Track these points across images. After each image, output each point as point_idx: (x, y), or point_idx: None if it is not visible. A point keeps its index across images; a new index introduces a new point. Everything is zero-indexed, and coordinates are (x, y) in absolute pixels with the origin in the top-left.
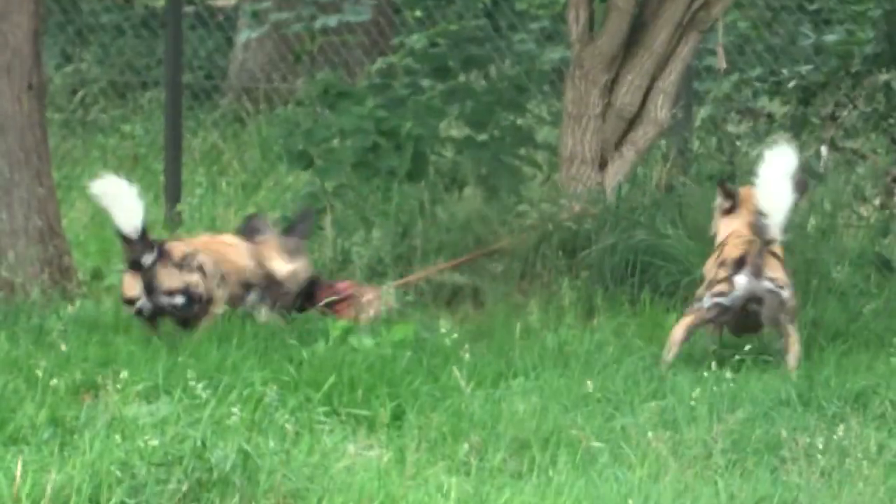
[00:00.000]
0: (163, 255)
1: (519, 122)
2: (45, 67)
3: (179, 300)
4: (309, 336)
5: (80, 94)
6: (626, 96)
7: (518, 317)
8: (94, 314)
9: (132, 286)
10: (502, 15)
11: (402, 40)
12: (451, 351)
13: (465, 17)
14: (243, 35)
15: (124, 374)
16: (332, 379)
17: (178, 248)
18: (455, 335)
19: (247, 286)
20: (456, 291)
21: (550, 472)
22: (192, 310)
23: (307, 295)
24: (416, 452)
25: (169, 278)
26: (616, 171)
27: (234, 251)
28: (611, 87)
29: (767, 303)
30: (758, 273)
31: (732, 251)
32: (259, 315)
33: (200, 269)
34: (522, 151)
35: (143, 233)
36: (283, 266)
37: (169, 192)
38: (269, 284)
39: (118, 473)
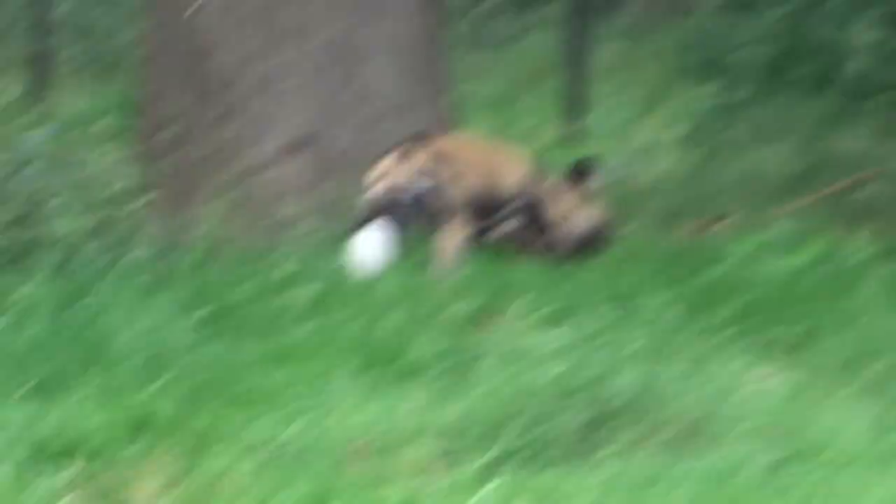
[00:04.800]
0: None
1: None
2: None
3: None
4: (715, 256)
5: (478, 6)
6: None
7: None
8: None
9: None
10: None
11: None
12: (864, 268)
13: None
14: None
15: (523, 300)
16: (741, 300)
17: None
18: (869, 250)
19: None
20: (869, 206)
21: None
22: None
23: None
24: (827, 375)
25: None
26: None
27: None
28: None
29: None
30: None
31: None
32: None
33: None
34: None
35: None
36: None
37: (572, 107)
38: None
39: (517, 405)
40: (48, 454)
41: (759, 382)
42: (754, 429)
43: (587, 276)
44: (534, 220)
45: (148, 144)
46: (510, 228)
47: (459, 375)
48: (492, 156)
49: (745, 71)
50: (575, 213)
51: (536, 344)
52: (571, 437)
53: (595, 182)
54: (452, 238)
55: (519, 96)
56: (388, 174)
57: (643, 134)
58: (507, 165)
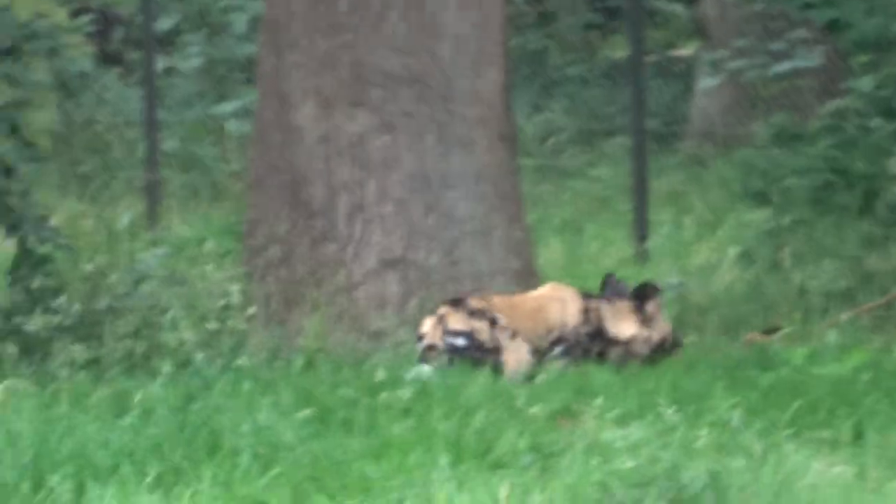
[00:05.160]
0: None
1: None
2: (516, 118)
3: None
4: (771, 363)
5: (549, 141)
6: None
7: None
8: None
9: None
10: None
11: (851, 84)
12: None
13: None
14: (703, 83)
15: (599, 402)
16: (795, 402)
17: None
18: None
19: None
20: None
21: None
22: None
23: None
24: (876, 469)
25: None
26: None
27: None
28: None
29: None
30: None
31: None
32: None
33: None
34: None
35: None
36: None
37: (636, 230)
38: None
39: (596, 495)
40: None
41: (816, 475)
42: None
43: (655, 382)
44: (593, 344)
45: (252, 264)
46: (569, 357)
47: (543, 468)
48: (536, 301)
49: (793, 198)
50: (640, 332)
51: (612, 440)
52: None
53: (657, 302)
54: (515, 354)
55: (587, 222)
56: (426, 336)
57: (702, 254)
58: (557, 307)
